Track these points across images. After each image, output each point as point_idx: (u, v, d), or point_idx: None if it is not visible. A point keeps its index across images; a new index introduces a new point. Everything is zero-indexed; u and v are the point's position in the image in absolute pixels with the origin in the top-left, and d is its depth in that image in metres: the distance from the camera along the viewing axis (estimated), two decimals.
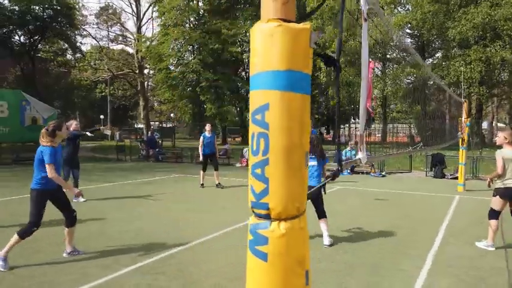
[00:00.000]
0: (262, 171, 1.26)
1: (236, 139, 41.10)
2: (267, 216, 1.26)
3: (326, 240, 5.37)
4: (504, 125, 34.86)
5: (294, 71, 1.23)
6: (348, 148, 15.36)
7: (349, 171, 14.38)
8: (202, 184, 10.58)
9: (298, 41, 1.21)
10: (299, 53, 1.22)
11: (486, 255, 5.12)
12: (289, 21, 1.22)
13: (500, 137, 5.51)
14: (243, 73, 39.76)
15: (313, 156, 5.43)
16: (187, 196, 9.50)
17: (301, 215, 1.25)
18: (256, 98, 1.28)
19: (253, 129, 1.29)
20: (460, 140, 11.01)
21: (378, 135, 48.66)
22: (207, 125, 11.10)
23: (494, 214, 5.34)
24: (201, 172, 10.66)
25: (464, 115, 11.08)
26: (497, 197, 5.32)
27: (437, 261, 4.84)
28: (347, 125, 42.03)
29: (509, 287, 4.05)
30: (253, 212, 1.29)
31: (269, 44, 1.24)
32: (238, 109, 36.59)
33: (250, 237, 1.31)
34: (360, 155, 2.13)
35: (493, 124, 44.82)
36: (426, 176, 14.24)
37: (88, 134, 9.56)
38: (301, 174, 1.24)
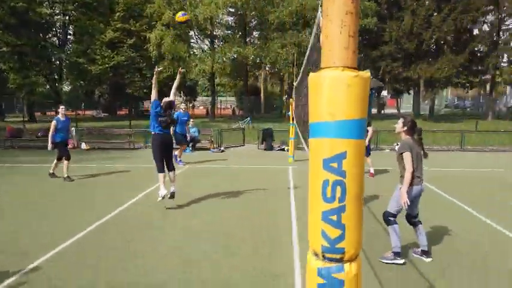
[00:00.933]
0: (338, 217, 1.28)
1: (48, 113, 35.80)
2: (341, 260, 1.30)
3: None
4: None
5: (364, 118, 1.28)
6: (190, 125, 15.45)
7: (190, 148, 14.61)
8: (68, 177, 9.06)
9: (367, 89, 1.25)
10: (366, 100, 1.27)
11: None
12: (356, 69, 1.25)
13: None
14: (55, 38, 34.39)
15: None
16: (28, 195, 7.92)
17: None
18: (332, 145, 1.27)
19: (326, 176, 1.28)
20: (291, 118, 12.63)
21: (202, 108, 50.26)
22: (61, 107, 9.28)
23: None
24: (65, 162, 9.08)
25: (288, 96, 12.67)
26: None
27: (303, 230, 5.60)
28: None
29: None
30: (325, 256, 1.30)
31: (347, 93, 1.23)
32: (49, 80, 31.69)
33: (321, 281, 1.33)
34: None
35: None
36: (258, 148, 15.78)
37: None
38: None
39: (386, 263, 4.41)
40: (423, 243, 4.55)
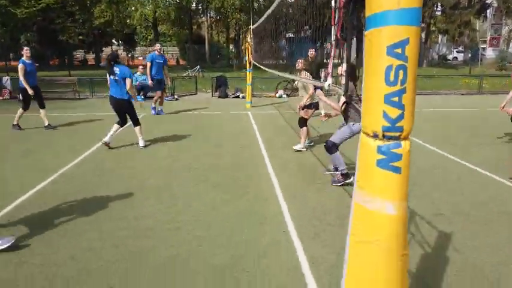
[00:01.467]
0: (399, 99, 1.44)
1: None
2: (399, 137, 1.48)
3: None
4: None
5: (420, 8, 1.41)
6: (138, 73, 14.71)
7: (142, 96, 14.10)
8: (17, 125, 8.42)
9: None
10: None
11: (305, 153, 6.65)
12: None
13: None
14: None
15: None
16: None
17: None
18: (396, 32, 1.39)
19: (390, 61, 1.42)
20: (247, 63, 12.57)
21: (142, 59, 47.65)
22: (25, 48, 8.30)
23: (304, 123, 6.86)
24: (20, 110, 8.37)
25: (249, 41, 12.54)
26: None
27: (276, 165, 5.92)
28: None
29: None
30: (384, 135, 1.47)
31: None
32: None
33: (381, 157, 1.51)
34: (329, 80, 2.45)
35: None
36: (212, 96, 15.64)
37: None
38: None
39: (340, 185, 4.90)
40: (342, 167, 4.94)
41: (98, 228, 3.71)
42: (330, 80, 2.39)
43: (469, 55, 37.18)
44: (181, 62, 38.42)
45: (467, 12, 29.94)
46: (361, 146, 1.60)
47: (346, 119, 4.78)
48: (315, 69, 9.23)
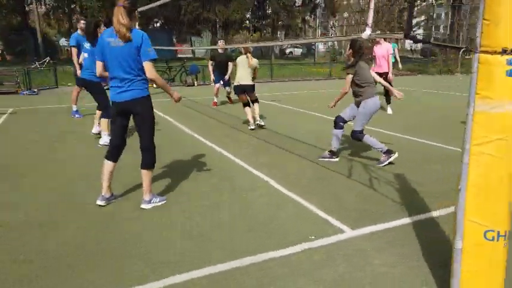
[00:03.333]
0: None
1: None
2: None
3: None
4: None
5: None
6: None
7: None
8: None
9: None
10: None
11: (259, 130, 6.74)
12: None
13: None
14: None
15: None
16: None
17: None
18: None
19: None
20: None
21: None
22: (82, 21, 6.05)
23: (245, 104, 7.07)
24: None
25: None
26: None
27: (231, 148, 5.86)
28: None
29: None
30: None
31: None
32: None
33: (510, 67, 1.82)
34: (368, 31, 2.63)
35: None
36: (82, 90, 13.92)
37: None
38: None
39: (385, 165, 4.71)
40: (381, 147, 4.76)
41: None
42: (368, 31, 2.58)
43: (305, 50, 42.43)
44: (8, 58, 32.09)
45: (304, 9, 34.06)
46: (483, 63, 1.88)
47: (359, 99, 4.73)
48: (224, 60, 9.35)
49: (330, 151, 5.00)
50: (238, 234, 3.04)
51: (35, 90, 12.77)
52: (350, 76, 4.71)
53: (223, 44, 10.65)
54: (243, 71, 6.96)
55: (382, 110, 8.84)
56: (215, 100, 9.90)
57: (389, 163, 4.73)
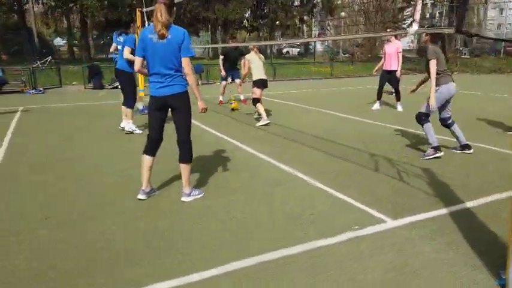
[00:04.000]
0: None
1: None
2: None
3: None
4: None
5: None
6: None
7: None
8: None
9: None
10: None
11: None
12: None
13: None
14: None
15: None
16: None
17: None
18: None
19: None
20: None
21: None
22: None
23: (257, 100, 7.12)
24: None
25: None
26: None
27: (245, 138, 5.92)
28: None
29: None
30: None
31: None
32: None
33: None
34: (415, 26, 2.71)
35: None
36: (85, 88, 13.91)
37: None
38: None
39: (429, 158, 4.84)
40: (462, 140, 5.05)
41: None
42: (415, 26, 2.65)
43: (303, 49, 42.53)
44: (4, 57, 31.73)
45: (302, 10, 34.16)
46: None
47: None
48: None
49: (433, 147, 4.91)
50: (279, 225, 3.10)
51: (41, 89, 12.73)
52: (434, 61, 4.71)
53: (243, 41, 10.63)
54: (258, 66, 7.09)
55: (392, 107, 9.02)
56: (221, 99, 9.93)
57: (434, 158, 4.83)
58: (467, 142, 5.11)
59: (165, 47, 3.30)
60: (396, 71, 8.53)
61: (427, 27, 4.93)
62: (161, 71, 3.36)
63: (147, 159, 3.58)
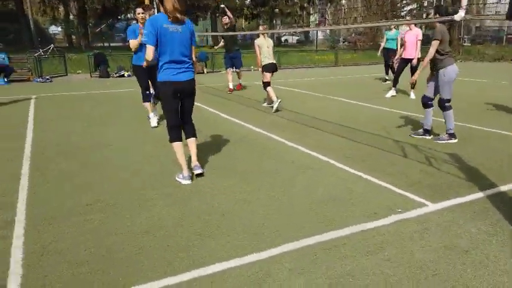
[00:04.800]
0: None
1: None
2: None
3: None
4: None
5: None
6: None
7: (4, 79, 11.54)
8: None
9: None
10: None
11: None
12: None
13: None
14: None
15: None
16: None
17: None
18: None
19: None
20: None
21: None
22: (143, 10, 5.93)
23: (267, 84, 7.16)
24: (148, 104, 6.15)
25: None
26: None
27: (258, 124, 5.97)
28: None
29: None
30: None
31: None
32: None
33: None
34: (462, 12, 2.74)
35: None
36: (91, 77, 13.82)
37: None
38: None
39: (442, 143, 5.01)
40: (428, 124, 5.21)
41: None
42: (462, 12, 2.68)
43: (303, 37, 42.25)
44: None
45: None
46: None
47: (439, 66, 4.83)
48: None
49: (424, 129, 5.27)
50: (322, 207, 3.18)
51: (48, 77, 12.65)
52: (437, 42, 4.75)
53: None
54: (267, 51, 7.22)
55: (405, 94, 9.07)
56: (231, 86, 9.80)
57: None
58: (429, 128, 5.26)
59: (182, 36, 3.53)
60: (413, 59, 8.51)
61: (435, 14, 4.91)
62: (179, 58, 3.57)
63: (178, 146, 3.72)
